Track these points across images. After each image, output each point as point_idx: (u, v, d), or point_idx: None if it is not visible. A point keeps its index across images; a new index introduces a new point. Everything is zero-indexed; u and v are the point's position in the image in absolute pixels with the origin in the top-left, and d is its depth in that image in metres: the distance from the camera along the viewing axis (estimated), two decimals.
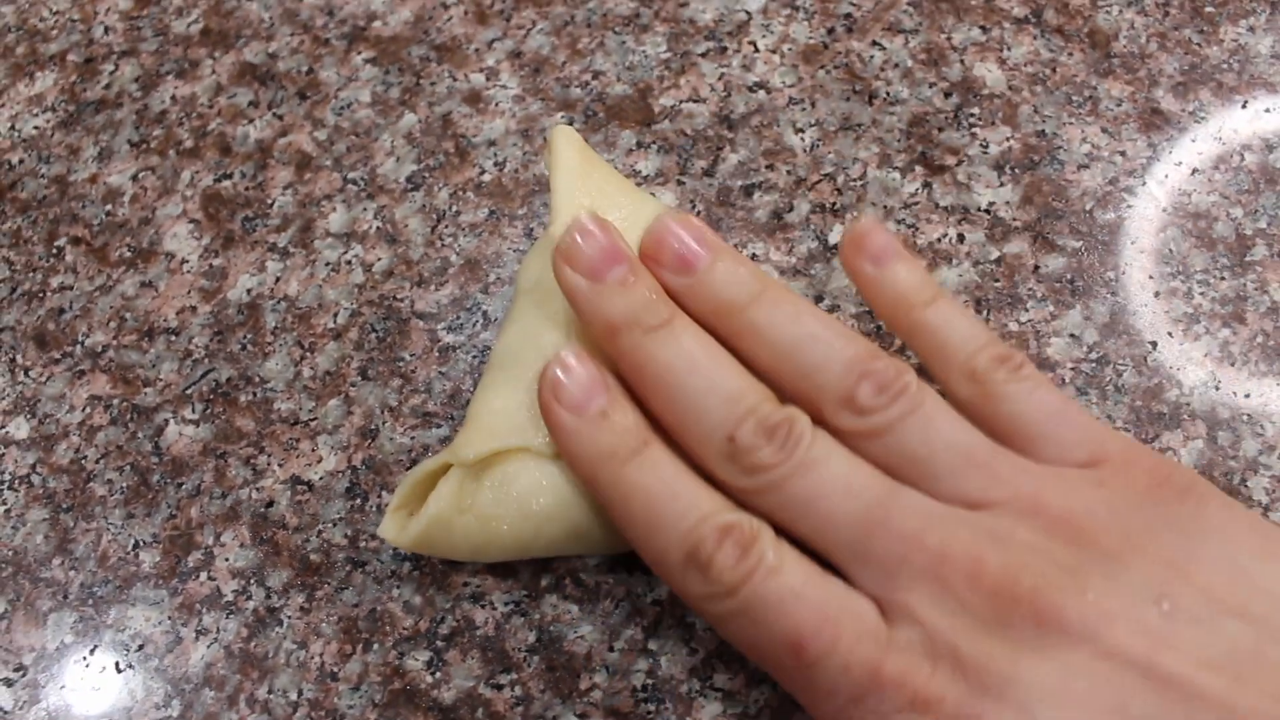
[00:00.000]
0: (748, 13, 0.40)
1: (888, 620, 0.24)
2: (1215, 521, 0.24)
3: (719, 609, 0.25)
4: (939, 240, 0.35)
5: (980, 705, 0.22)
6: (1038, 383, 0.26)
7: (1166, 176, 0.36)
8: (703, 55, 0.39)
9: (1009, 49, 0.38)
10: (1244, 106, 0.37)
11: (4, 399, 0.35)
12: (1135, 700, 0.21)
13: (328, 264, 0.36)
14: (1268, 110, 0.37)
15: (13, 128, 0.40)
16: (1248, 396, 0.32)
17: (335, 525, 0.32)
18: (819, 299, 0.34)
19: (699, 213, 0.36)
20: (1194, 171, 0.36)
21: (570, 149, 0.31)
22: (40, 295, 0.37)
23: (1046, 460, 0.25)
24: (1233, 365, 0.33)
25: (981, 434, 0.26)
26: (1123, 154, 0.36)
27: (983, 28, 0.39)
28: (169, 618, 0.32)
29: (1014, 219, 0.35)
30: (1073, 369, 0.33)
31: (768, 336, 0.26)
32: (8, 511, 0.33)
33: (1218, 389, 0.32)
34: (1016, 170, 0.36)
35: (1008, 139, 0.37)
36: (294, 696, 0.30)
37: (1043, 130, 0.37)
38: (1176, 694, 0.21)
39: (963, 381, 0.26)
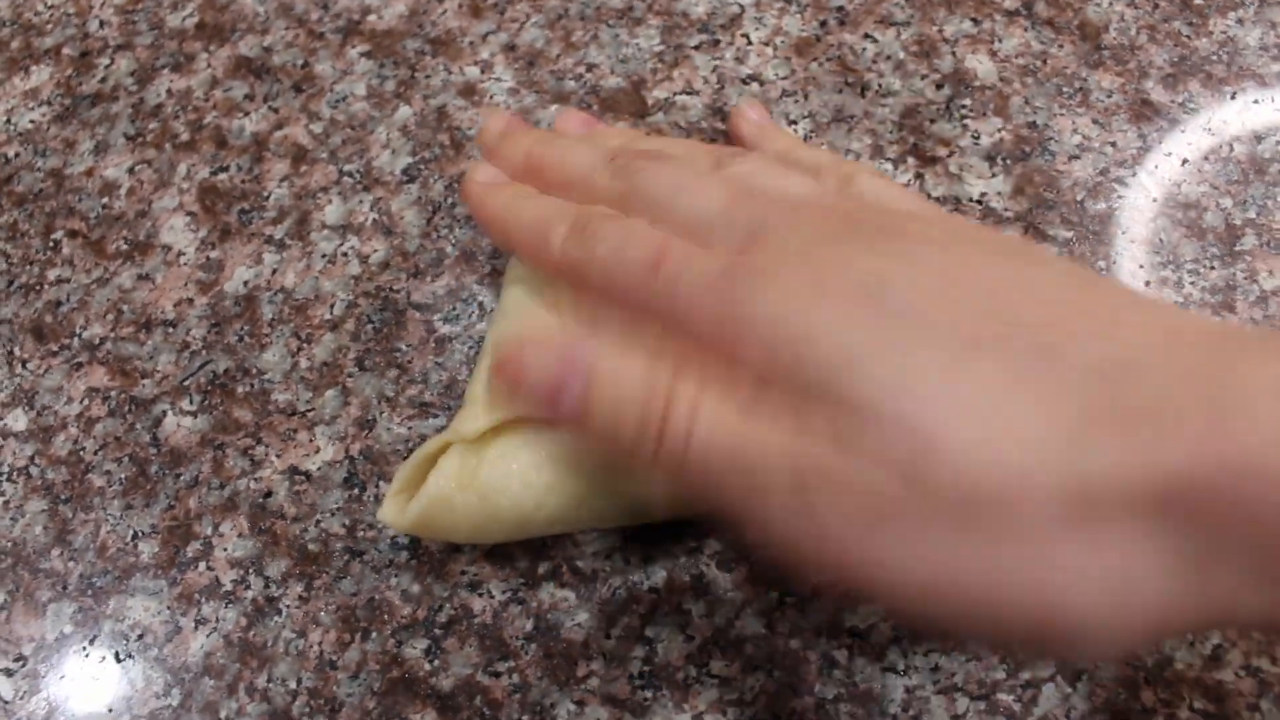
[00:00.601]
0: (740, 6, 0.40)
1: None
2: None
3: (593, 247, 0.26)
4: None
5: (826, 272, 0.23)
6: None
7: (1157, 167, 0.36)
8: (696, 48, 0.39)
9: (1000, 41, 0.39)
10: (1233, 98, 0.37)
11: (2, 391, 0.35)
12: (964, 284, 0.22)
13: (324, 256, 0.36)
14: (1256, 101, 0.37)
15: (8, 121, 0.40)
16: None
17: (333, 515, 0.32)
18: None
19: None
20: (1184, 162, 0.36)
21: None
22: (38, 288, 0.37)
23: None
24: None
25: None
26: (1113, 145, 0.37)
27: (974, 20, 0.39)
28: (168, 607, 0.32)
29: (1006, 209, 0.35)
30: None
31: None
32: (6, 503, 0.34)
33: None
34: (1008, 161, 0.36)
35: (999, 130, 0.37)
36: (293, 685, 0.30)
37: (1034, 121, 0.37)
38: (1009, 289, 0.22)
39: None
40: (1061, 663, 0.30)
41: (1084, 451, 0.19)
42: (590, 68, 0.39)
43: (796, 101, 0.38)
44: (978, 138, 0.37)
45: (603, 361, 0.25)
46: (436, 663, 0.30)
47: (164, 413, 0.34)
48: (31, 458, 0.34)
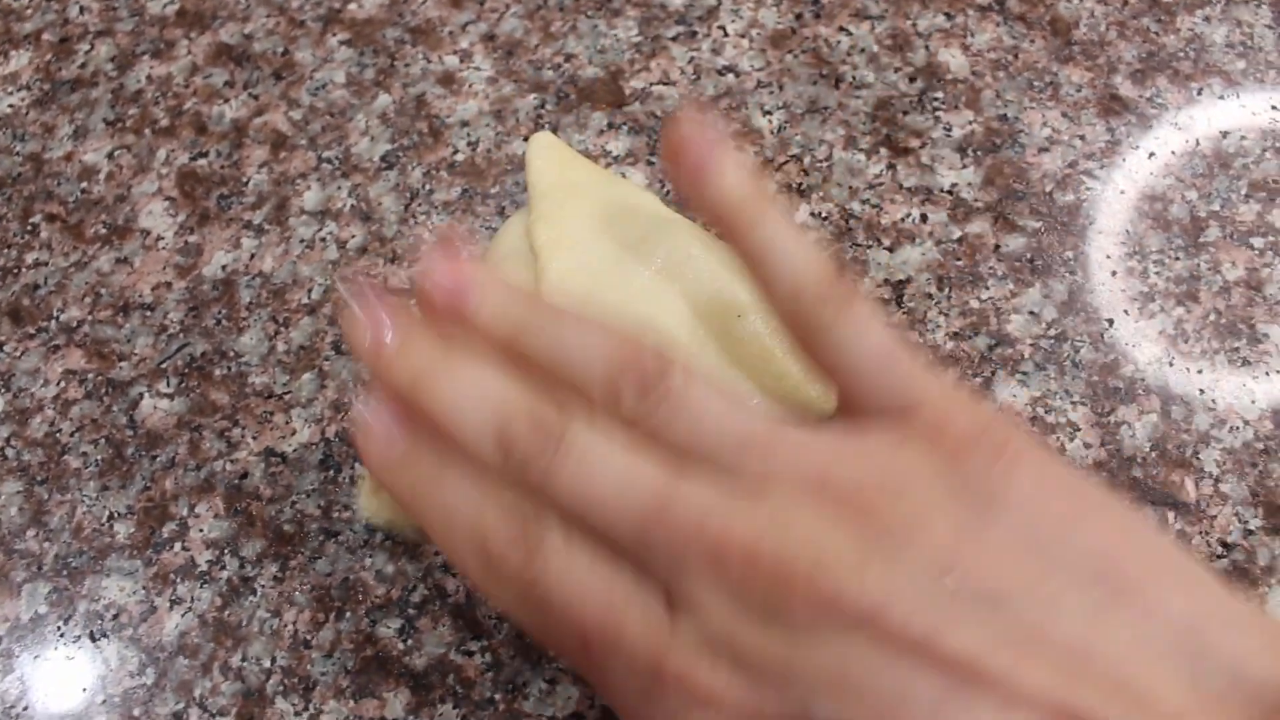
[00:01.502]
0: None
1: (673, 611, 0.22)
2: (1022, 487, 0.22)
3: (509, 603, 0.24)
4: (903, 220, 0.36)
5: (759, 697, 0.21)
6: (864, 322, 0.24)
7: (1124, 160, 0.37)
8: (673, 39, 0.40)
9: (972, 35, 0.39)
10: (1199, 93, 0.38)
11: None
12: (917, 685, 0.20)
13: (302, 241, 0.37)
14: (1222, 98, 0.38)
15: None
16: (1200, 372, 0.33)
17: (309, 496, 0.33)
18: None
19: (667, 192, 0.37)
20: (1151, 155, 0.37)
21: (541, 158, 0.32)
22: (15, 271, 0.37)
23: (859, 404, 0.24)
24: (1186, 342, 0.34)
25: (759, 414, 0.24)
26: (1082, 138, 0.37)
27: (947, 14, 0.40)
28: (143, 588, 0.32)
29: (976, 200, 0.36)
30: (1031, 345, 0.34)
31: (535, 345, 0.25)
32: None
33: (1171, 365, 0.33)
34: (979, 153, 0.37)
35: (970, 123, 0.38)
36: (267, 664, 0.31)
37: (1004, 114, 0.38)
38: (958, 676, 0.20)
39: (790, 311, 0.25)
40: None
41: None
42: (568, 58, 0.40)
43: (771, 93, 0.38)
44: (949, 130, 0.37)
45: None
46: (410, 642, 0.31)
47: (141, 395, 0.35)
48: (8, 439, 0.34)
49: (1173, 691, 0.20)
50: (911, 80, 0.38)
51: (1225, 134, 0.37)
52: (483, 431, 0.24)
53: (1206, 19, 0.40)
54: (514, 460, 0.23)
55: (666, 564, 0.22)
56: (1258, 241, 0.35)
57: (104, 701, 0.30)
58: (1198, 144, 0.37)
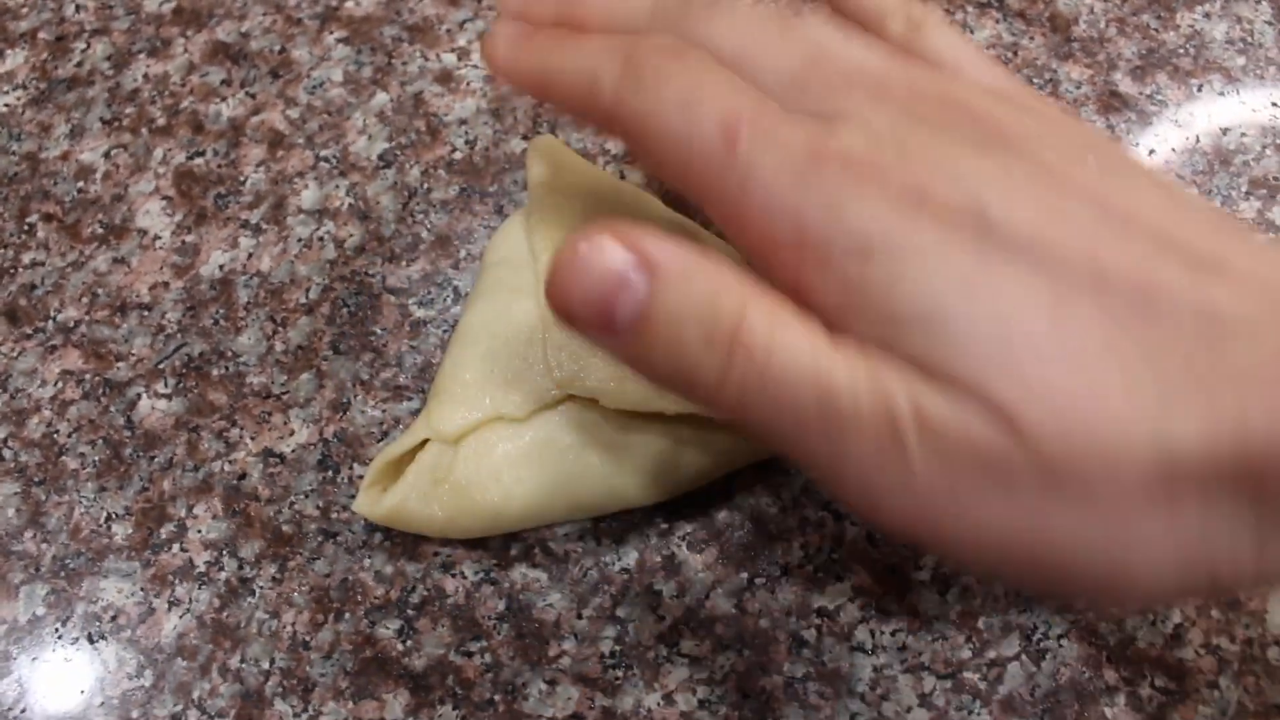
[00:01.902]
0: None
1: (829, 123, 0.22)
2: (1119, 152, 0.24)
3: (652, 99, 0.23)
4: None
5: (929, 180, 0.20)
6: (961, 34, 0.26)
7: None
8: None
9: (972, 32, 0.39)
10: (1199, 90, 0.38)
11: None
12: (1069, 206, 0.20)
13: (300, 240, 0.37)
14: (1222, 94, 0.38)
15: None
16: None
17: (307, 497, 0.33)
18: None
19: (667, 191, 0.36)
20: (1151, 152, 0.37)
21: (541, 160, 0.32)
22: (12, 271, 0.37)
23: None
24: None
25: None
26: None
27: (947, 10, 0.40)
28: (141, 589, 0.32)
29: None
30: None
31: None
32: None
33: None
34: None
35: None
36: (266, 665, 0.31)
37: None
38: (1113, 216, 0.20)
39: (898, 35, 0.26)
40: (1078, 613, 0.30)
41: (1171, 421, 0.18)
42: None
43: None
44: None
45: (674, 259, 0.20)
46: (409, 643, 0.31)
47: (138, 395, 0.35)
48: (5, 440, 0.34)
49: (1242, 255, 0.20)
50: None
51: (1225, 131, 0.37)
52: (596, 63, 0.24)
53: (1206, 15, 0.39)
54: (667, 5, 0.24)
55: (823, 97, 0.22)
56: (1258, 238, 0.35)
57: (102, 704, 0.30)
58: (1198, 141, 0.37)
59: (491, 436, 0.29)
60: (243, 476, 0.33)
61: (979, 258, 0.20)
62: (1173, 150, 0.37)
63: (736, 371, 0.20)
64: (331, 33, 0.41)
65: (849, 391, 0.19)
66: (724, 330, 0.20)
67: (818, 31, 0.23)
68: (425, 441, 0.30)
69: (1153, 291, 0.19)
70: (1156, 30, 0.39)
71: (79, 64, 0.41)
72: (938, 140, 0.21)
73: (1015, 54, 0.39)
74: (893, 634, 0.30)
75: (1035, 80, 0.38)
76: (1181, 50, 0.39)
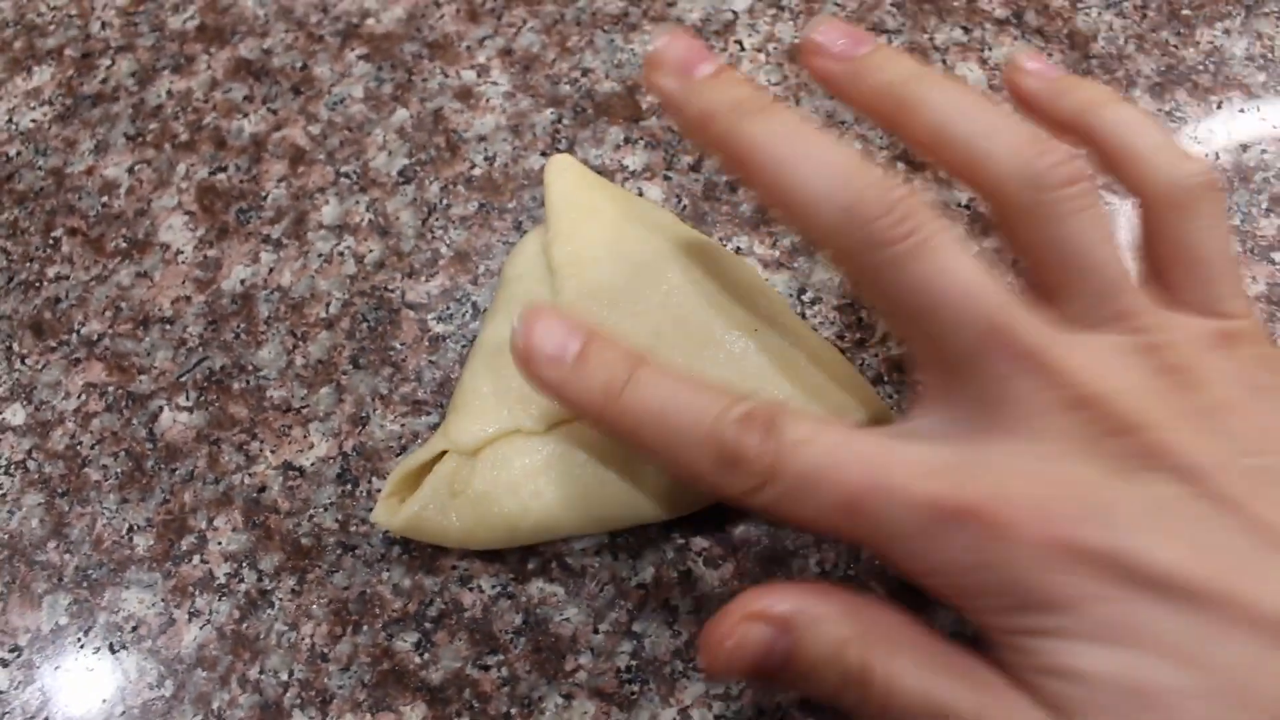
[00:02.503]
0: (734, 12, 0.41)
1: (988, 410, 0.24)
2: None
3: (763, 498, 0.24)
4: None
5: (1079, 521, 0.22)
6: (1100, 219, 0.25)
7: None
8: None
9: (990, 49, 0.39)
10: (1219, 107, 0.38)
11: (1, 386, 0.36)
12: (1227, 536, 0.22)
13: (320, 255, 0.37)
14: (1242, 111, 0.38)
15: (10, 120, 0.41)
16: None
17: (326, 510, 0.33)
18: (802, 291, 0.35)
19: (684, 207, 0.37)
20: None
21: (560, 179, 0.33)
22: (37, 285, 0.37)
23: (1191, 298, 0.26)
24: None
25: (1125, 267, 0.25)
26: None
27: (965, 28, 0.40)
28: (162, 600, 0.32)
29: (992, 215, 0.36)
30: None
31: (931, 109, 0.26)
32: (4, 496, 0.34)
33: None
34: None
35: None
36: (285, 676, 0.31)
37: None
38: (1262, 537, 0.22)
39: (1160, 195, 0.26)
40: None
41: None
42: (585, 72, 0.40)
43: (788, 106, 0.38)
44: None
45: (802, 612, 0.24)
46: (427, 655, 0.31)
47: (160, 408, 0.35)
48: (29, 452, 0.35)
49: None
50: None
51: (1245, 147, 0.37)
52: (830, 194, 0.24)
53: (1226, 32, 0.39)
54: (857, 232, 0.24)
55: (987, 381, 0.23)
56: (1279, 256, 0.35)
57: (123, 713, 0.31)
58: (1217, 157, 0.37)
59: (509, 449, 0.29)
60: (263, 489, 0.33)
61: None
62: None
63: (872, 706, 0.23)
64: (352, 50, 0.41)
65: None
66: (855, 676, 0.23)
67: (1172, 336, 0.24)
68: (443, 453, 0.30)
69: None
70: (1176, 47, 0.39)
71: (104, 80, 0.41)
72: (1092, 469, 0.23)
73: None
74: None
75: None
76: (1201, 67, 0.39)
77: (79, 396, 0.35)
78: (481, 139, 0.39)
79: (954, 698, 0.22)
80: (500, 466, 0.29)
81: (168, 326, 0.36)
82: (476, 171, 0.38)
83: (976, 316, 0.23)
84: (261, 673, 0.31)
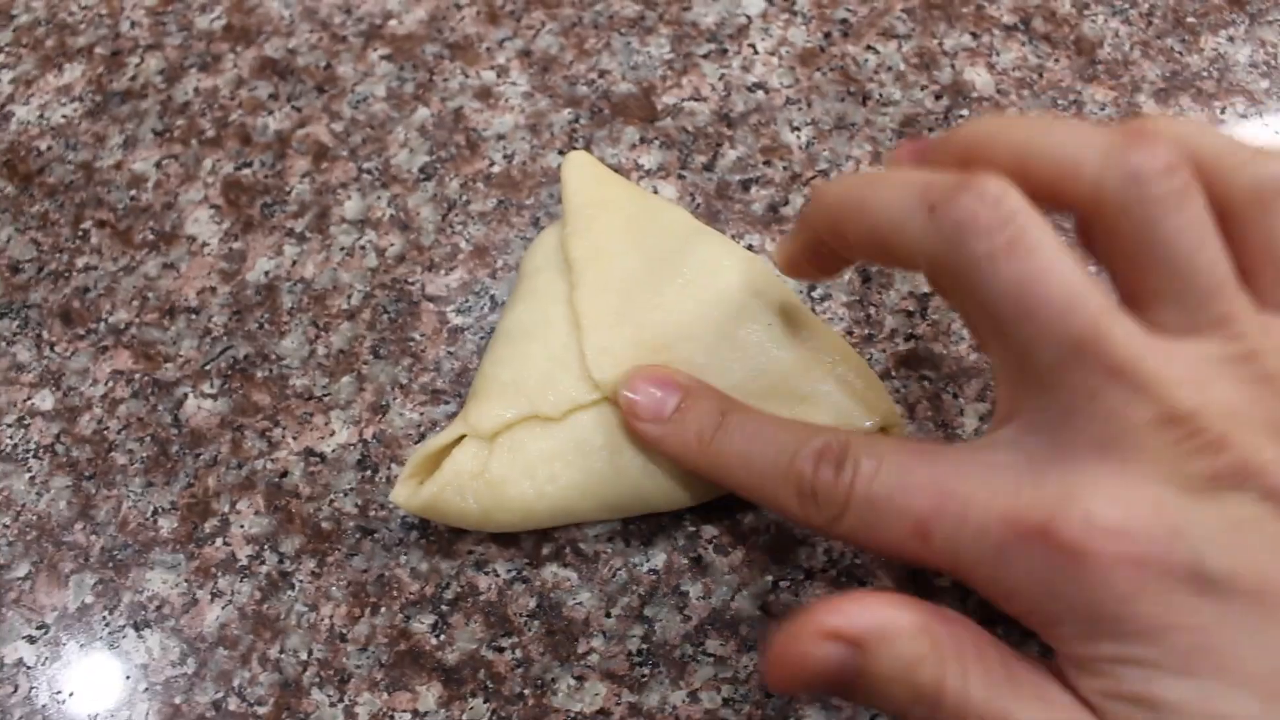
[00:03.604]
0: (748, 17, 0.41)
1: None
2: None
3: (843, 528, 0.25)
4: None
5: (1152, 547, 0.21)
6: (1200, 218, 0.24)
7: None
8: (704, 56, 0.41)
9: (998, 54, 0.40)
10: (1223, 113, 0.39)
11: (31, 372, 0.37)
12: None
13: (342, 249, 0.38)
14: (1245, 117, 0.39)
15: (42, 116, 0.42)
16: None
17: (346, 495, 0.34)
18: (813, 287, 0.36)
19: (698, 205, 0.38)
20: None
21: (576, 175, 0.34)
22: (66, 275, 0.38)
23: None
24: None
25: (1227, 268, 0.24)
26: None
27: (973, 34, 0.41)
28: (185, 580, 0.33)
29: None
30: None
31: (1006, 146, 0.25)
32: (33, 478, 0.35)
33: None
34: None
35: None
36: (304, 656, 0.32)
37: None
38: None
39: (1245, 185, 0.24)
40: None
41: None
42: (602, 74, 0.41)
43: (800, 109, 0.39)
44: None
45: (872, 630, 0.23)
46: (443, 637, 0.32)
47: (185, 395, 0.36)
48: (57, 436, 0.36)
49: None
50: (937, 98, 0.39)
51: None
52: (908, 199, 0.24)
53: (1230, 39, 0.40)
54: (945, 226, 0.23)
55: (1085, 390, 0.22)
56: None
57: (146, 690, 0.31)
58: None
59: (526, 434, 0.30)
60: (284, 474, 0.34)
61: None
62: None
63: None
64: (375, 50, 0.42)
65: None
66: (927, 694, 0.23)
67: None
68: (462, 437, 0.31)
69: None
70: (1181, 53, 0.40)
71: (133, 78, 0.42)
72: (1171, 488, 0.22)
73: (1041, 76, 0.39)
74: None
75: (1060, 102, 0.39)
76: (1205, 73, 0.40)
77: (106, 383, 0.36)
78: (500, 137, 0.40)
79: (1024, 718, 0.22)
80: (517, 451, 0.30)
81: (193, 316, 0.37)
82: (495, 169, 0.39)
83: (1070, 325, 0.22)
84: (281, 652, 0.32)
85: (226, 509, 0.34)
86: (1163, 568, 0.21)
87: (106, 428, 0.36)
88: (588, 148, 0.39)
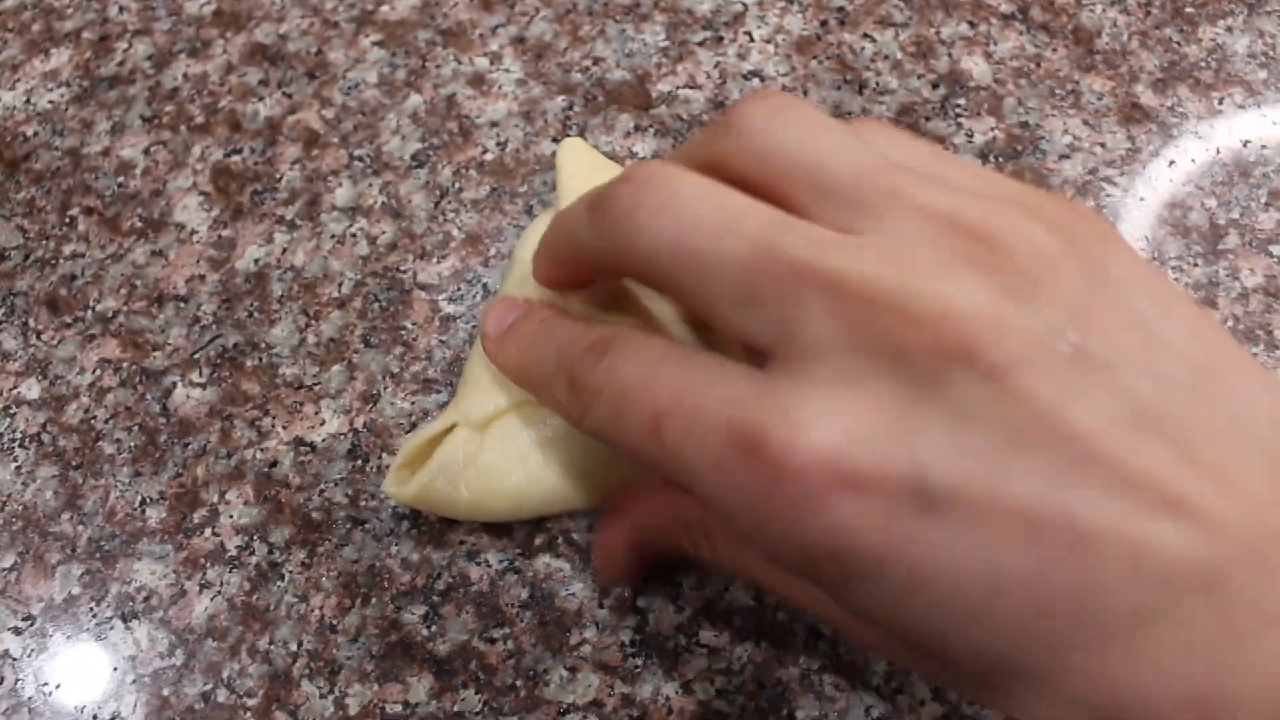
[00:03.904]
0: (744, 4, 0.41)
1: (780, 360, 0.21)
2: (1124, 264, 0.21)
3: (594, 419, 0.23)
4: None
5: (879, 451, 0.19)
6: None
7: (1144, 168, 0.37)
8: (700, 44, 0.40)
9: (995, 44, 0.40)
10: (1220, 103, 0.39)
11: (16, 361, 0.36)
12: (1033, 457, 0.18)
13: (333, 236, 0.37)
14: (1242, 107, 0.38)
15: (28, 101, 0.41)
16: None
17: (336, 485, 0.33)
18: None
19: None
20: (1171, 163, 0.37)
21: (571, 161, 0.33)
22: (53, 262, 0.38)
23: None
24: None
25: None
26: (1103, 145, 0.38)
27: (970, 23, 0.40)
28: (174, 571, 0.33)
29: None
30: None
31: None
32: (19, 468, 0.34)
33: None
34: (1000, 159, 0.37)
35: (992, 129, 0.38)
36: (294, 647, 0.31)
37: (1026, 121, 0.38)
38: (1073, 452, 0.18)
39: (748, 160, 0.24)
40: None
41: None
42: (596, 61, 0.40)
43: (796, 97, 0.39)
44: (971, 136, 0.38)
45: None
46: (434, 628, 0.31)
47: (174, 384, 0.35)
48: (44, 425, 0.35)
49: (1262, 485, 0.19)
50: (934, 87, 0.39)
51: (1246, 143, 0.38)
52: (578, 212, 0.25)
53: (1229, 29, 0.40)
54: (604, 221, 0.23)
55: (777, 310, 0.21)
56: (1277, 249, 0.36)
57: (134, 681, 0.31)
58: (1218, 152, 0.38)
59: (518, 422, 0.30)
60: (274, 464, 0.34)
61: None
62: (1193, 162, 0.37)
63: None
64: (367, 36, 0.42)
65: None
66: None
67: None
68: (454, 426, 0.30)
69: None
70: (1179, 43, 0.40)
71: (121, 63, 0.42)
72: (884, 383, 0.20)
73: (1038, 65, 0.39)
74: None
75: (1058, 91, 0.39)
76: (1203, 63, 0.39)
77: (93, 372, 0.36)
78: (493, 125, 0.39)
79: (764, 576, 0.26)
80: (509, 439, 0.30)
81: (182, 304, 0.37)
82: (488, 156, 0.39)
83: (735, 246, 0.21)
84: (271, 643, 0.31)
85: (215, 499, 0.34)
86: (881, 490, 0.19)
87: (94, 417, 0.35)
88: (582, 135, 0.39)
